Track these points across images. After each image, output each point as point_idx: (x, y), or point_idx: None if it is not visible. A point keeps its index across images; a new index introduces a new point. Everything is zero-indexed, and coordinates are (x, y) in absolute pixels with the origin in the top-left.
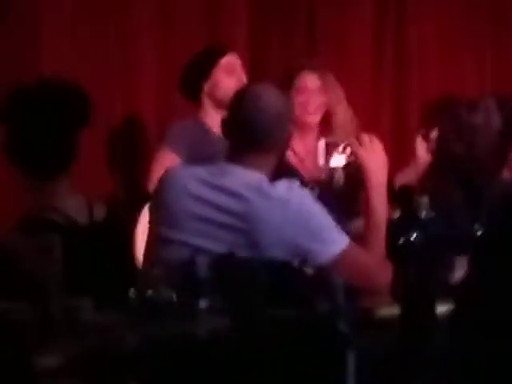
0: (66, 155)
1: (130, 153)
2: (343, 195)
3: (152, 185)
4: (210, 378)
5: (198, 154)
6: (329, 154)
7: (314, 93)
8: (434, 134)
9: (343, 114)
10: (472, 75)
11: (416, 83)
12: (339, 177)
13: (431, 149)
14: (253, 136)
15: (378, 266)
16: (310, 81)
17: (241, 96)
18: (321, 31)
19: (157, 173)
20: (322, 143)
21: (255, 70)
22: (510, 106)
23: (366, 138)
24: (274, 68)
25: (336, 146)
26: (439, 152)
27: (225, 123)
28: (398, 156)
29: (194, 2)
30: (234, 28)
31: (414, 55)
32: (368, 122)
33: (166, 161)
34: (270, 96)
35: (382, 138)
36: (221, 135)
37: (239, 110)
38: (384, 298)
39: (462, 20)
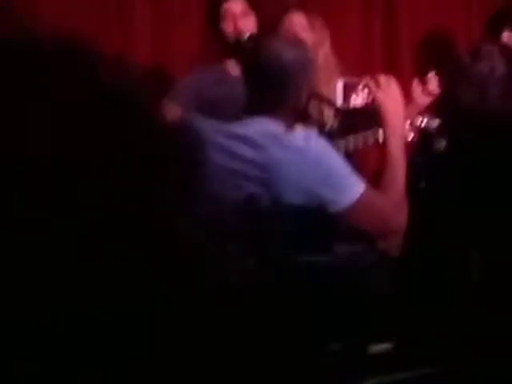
0: None
1: None
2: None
3: None
4: (235, 324)
5: (214, 94)
6: (346, 94)
7: (300, 31)
8: (430, 75)
9: (324, 56)
10: (460, 23)
11: (406, 32)
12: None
13: (430, 91)
14: (270, 85)
15: (393, 210)
16: (297, 18)
17: (259, 46)
18: None
19: None
20: (339, 84)
21: None
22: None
23: (383, 79)
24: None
25: (354, 86)
26: (447, 98)
27: (244, 72)
28: None
29: None
30: None
31: (403, 3)
32: (359, 70)
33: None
34: (289, 47)
35: None
36: (239, 77)
37: (257, 60)
38: (398, 240)
39: None
